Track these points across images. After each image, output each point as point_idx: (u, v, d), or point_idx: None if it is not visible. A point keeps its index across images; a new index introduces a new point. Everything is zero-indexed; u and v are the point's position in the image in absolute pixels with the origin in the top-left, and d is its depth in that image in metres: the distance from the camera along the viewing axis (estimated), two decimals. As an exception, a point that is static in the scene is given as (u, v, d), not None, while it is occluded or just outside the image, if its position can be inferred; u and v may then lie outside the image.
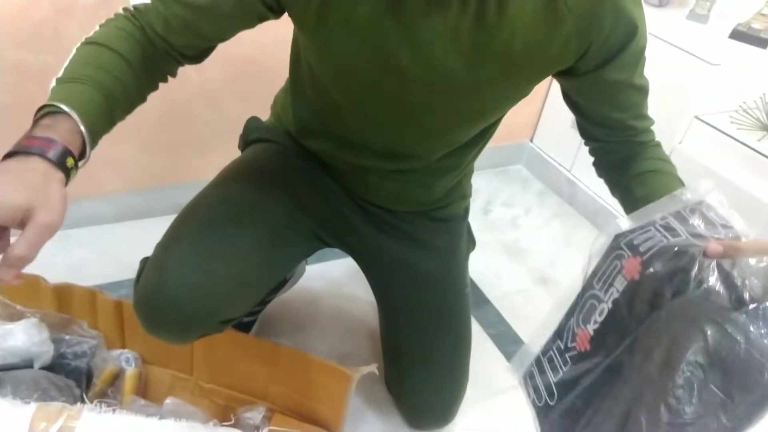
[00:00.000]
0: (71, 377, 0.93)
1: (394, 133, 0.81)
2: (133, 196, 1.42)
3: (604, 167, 0.85)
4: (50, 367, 0.93)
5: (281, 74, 0.97)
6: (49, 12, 1.14)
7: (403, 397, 1.08)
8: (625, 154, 0.81)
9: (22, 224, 0.51)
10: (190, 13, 0.68)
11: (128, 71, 0.66)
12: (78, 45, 0.66)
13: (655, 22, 1.45)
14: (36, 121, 0.58)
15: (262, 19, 0.72)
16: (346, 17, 0.67)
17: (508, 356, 1.28)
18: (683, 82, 1.41)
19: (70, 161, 0.55)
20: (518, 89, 0.76)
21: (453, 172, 0.94)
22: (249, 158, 0.96)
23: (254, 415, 0.88)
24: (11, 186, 0.51)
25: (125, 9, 0.71)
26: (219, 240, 0.82)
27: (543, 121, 1.95)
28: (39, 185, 0.52)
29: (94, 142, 0.61)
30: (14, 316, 0.94)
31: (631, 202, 0.77)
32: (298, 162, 0.93)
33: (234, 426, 0.89)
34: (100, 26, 0.69)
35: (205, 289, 0.77)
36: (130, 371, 0.95)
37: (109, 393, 0.94)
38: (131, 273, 0.85)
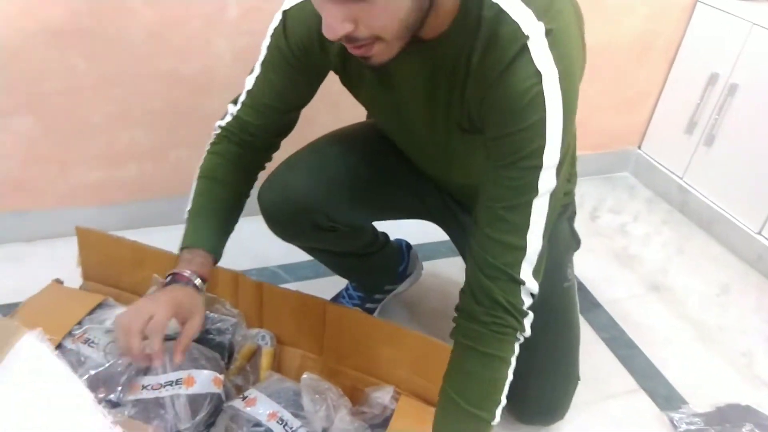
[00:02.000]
0: (215, 351, 1.02)
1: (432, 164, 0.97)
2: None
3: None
4: (196, 341, 1.03)
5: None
6: (200, 25, 1.26)
7: (510, 388, 1.09)
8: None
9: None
10: (275, 99, 0.87)
11: (233, 193, 0.90)
12: (195, 178, 0.90)
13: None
14: (180, 251, 0.85)
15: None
16: (363, 93, 0.87)
17: (622, 360, 1.27)
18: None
19: (201, 283, 0.83)
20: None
21: None
22: (363, 122, 1.09)
23: (383, 395, 0.92)
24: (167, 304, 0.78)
25: (220, 127, 0.90)
26: (337, 158, 0.99)
27: (653, 127, 1.90)
28: (189, 303, 0.80)
29: (219, 256, 0.88)
30: (168, 294, 1.04)
31: None
32: None
33: (363, 405, 0.95)
34: (207, 152, 0.91)
35: (312, 183, 0.95)
36: (267, 349, 1.03)
37: (247, 368, 1.03)
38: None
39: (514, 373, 1.06)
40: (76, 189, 1.41)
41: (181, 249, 0.85)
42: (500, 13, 0.66)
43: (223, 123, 0.90)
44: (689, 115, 1.75)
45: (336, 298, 1.29)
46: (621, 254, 1.60)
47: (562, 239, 1.08)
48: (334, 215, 0.98)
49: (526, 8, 0.65)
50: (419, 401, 0.95)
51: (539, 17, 0.65)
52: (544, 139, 0.66)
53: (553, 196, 0.70)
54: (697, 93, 1.71)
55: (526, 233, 0.70)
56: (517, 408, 1.08)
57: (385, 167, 1.02)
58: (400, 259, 1.30)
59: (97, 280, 1.13)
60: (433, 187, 1.07)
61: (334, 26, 0.61)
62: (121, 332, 0.75)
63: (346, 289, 1.30)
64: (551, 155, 0.67)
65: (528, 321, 0.74)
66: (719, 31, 1.66)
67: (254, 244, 1.25)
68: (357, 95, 0.90)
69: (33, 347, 0.79)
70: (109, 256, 1.10)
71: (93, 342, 0.92)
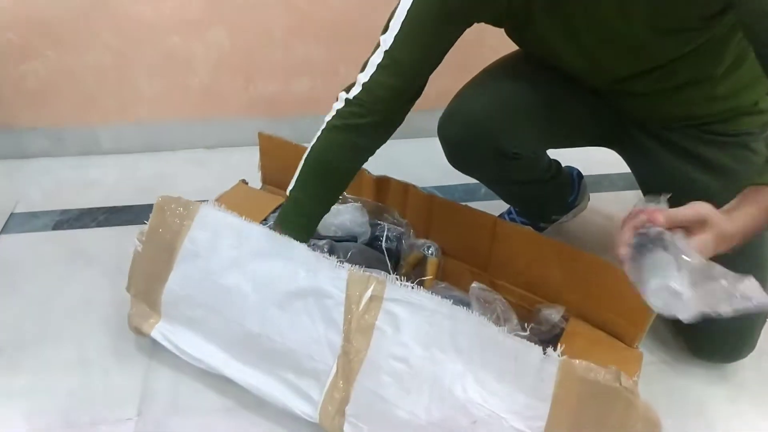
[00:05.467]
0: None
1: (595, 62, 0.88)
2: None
3: None
4: (366, 245, 1.08)
5: None
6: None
7: None
8: None
9: None
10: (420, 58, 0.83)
11: (341, 181, 0.91)
12: (304, 155, 0.89)
13: None
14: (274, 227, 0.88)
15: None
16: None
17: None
18: None
19: None
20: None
21: (699, 87, 0.88)
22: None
23: (553, 313, 0.91)
24: None
25: (346, 101, 0.85)
26: (512, 84, 0.97)
27: None
28: None
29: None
30: (341, 200, 1.09)
31: None
32: None
33: (532, 321, 0.95)
34: (324, 130, 0.87)
35: (494, 108, 0.93)
36: (432, 259, 1.05)
37: (413, 276, 1.06)
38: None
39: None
40: (255, 100, 1.50)
41: (279, 229, 0.87)
42: None
43: (350, 96, 0.85)
44: None
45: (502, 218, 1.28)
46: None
47: (761, 158, 0.95)
48: (517, 141, 0.96)
49: None
50: (588, 324, 0.93)
51: None
52: None
53: None
54: None
55: None
56: (696, 342, 1.02)
57: (558, 91, 0.98)
58: (571, 189, 1.25)
59: (275, 184, 1.21)
60: (609, 109, 1.00)
61: None
62: None
63: (509, 212, 1.28)
64: None
65: None
66: None
67: (410, 165, 1.27)
68: (523, 34, 0.89)
69: (212, 213, 0.91)
70: (288, 161, 1.16)
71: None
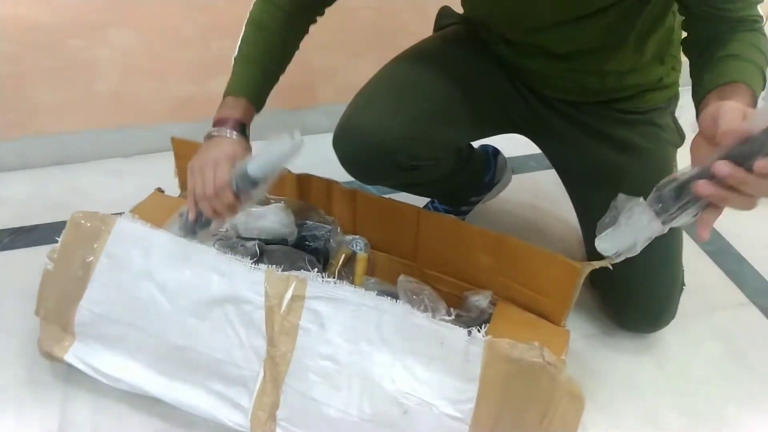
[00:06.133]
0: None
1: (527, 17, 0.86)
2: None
3: (688, 45, 0.78)
4: (294, 246, 1.05)
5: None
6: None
7: (612, 291, 1.06)
8: (712, 31, 0.73)
9: None
10: None
11: (281, 43, 0.91)
12: (244, 24, 0.90)
13: None
14: (224, 98, 0.88)
15: None
16: None
17: (729, 274, 1.20)
18: None
19: (244, 130, 0.87)
20: None
21: (609, 53, 0.89)
22: (441, 34, 1.04)
23: (481, 299, 0.91)
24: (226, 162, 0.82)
25: None
26: (410, 86, 0.93)
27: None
28: (242, 153, 0.85)
29: (261, 106, 0.91)
30: (264, 202, 1.06)
31: (697, 88, 0.71)
32: (485, 49, 0.99)
33: (461, 308, 0.95)
34: (254, 4, 0.90)
35: (388, 122, 0.89)
36: (361, 254, 1.04)
37: (343, 273, 1.04)
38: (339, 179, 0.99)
39: (617, 276, 1.02)
40: (171, 103, 1.44)
41: (225, 96, 0.88)
42: None
43: None
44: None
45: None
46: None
47: (667, 134, 1.00)
48: (415, 153, 0.93)
49: None
50: (516, 307, 0.94)
51: None
52: None
53: None
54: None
55: None
56: (622, 313, 1.05)
57: (462, 82, 0.96)
58: (486, 168, 1.25)
59: (195, 190, 1.16)
60: (518, 94, 1.00)
61: None
62: (202, 203, 0.83)
63: (432, 202, 1.27)
64: None
65: None
66: None
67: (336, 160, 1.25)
68: None
69: (128, 226, 0.88)
70: (206, 165, 1.13)
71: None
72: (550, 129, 1.02)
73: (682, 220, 0.62)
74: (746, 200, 0.55)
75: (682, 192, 0.60)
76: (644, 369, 1.01)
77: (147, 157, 1.48)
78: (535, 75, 0.97)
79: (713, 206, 0.59)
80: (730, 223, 1.30)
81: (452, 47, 1.01)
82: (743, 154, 0.54)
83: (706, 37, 0.74)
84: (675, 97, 1.01)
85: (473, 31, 1.01)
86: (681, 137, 1.02)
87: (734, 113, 0.58)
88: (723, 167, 0.54)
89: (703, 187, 0.56)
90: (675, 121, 1.02)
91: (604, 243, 0.68)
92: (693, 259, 1.19)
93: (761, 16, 0.73)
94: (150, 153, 1.48)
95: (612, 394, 0.96)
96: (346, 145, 0.92)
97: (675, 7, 0.85)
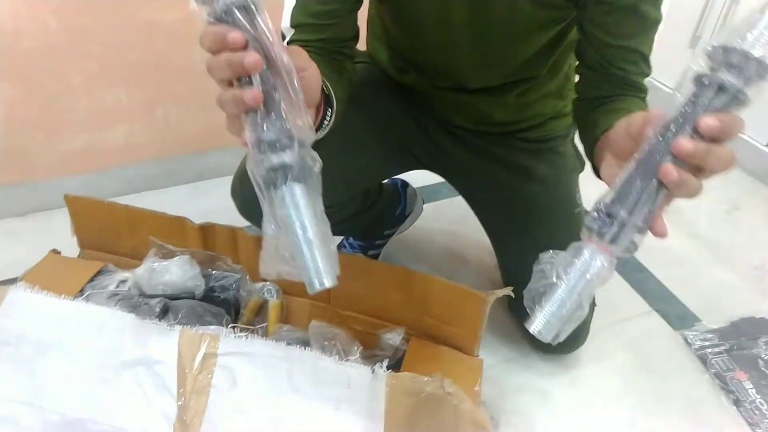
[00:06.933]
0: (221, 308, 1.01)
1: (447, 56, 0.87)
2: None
3: (580, 105, 0.81)
4: (202, 300, 1.01)
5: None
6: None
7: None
8: (607, 91, 0.76)
9: None
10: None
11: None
12: None
13: None
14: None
15: None
16: None
17: (634, 284, 1.25)
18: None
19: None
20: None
21: (522, 85, 0.93)
22: None
23: (394, 336, 0.91)
24: None
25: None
26: None
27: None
28: None
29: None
30: (167, 255, 1.02)
31: (592, 128, 0.71)
32: (387, 85, 1.00)
33: (374, 347, 0.94)
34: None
35: None
36: (273, 302, 1.01)
37: (255, 322, 1.02)
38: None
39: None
40: (65, 156, 1.37)
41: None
42: None
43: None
44: (692, 30, 1.68)
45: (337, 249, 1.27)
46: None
47: (569, 161, 1.04)
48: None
49: None
50: (429, 341, 0.94)
51: None
52: None
53: None
54: (700, 3, 1.64)
55: None
56: (536, 341, 1.07)
57: (364, 128, 0.95)
58: (397, 202, 1.26)
59: (94, 248, 1.11)
60: (421, 130, 1.02)
61: None
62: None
63: (346, 239, 1.27)
64: None
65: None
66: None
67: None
68: None
69: (22, 296, 0.83)
70: (103, 222, 1.07)
71: (96, 308, 0.91)
72: (456, 162, 1.04)
73: (629, 235, 0.55)
74: (698, 184, 0.49)
75: (625, 197, 0.53)
76: (559, 388, 1.04)
77: (43, 215, 1.40)
78: (444, 104, 0.98)
79: (664, 199, 0.52)
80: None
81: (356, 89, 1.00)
82: (680, 125, 0.48)
83: (600, 95, 0.77)
84: (574, 125, 1.05)
85: (372, 71, 1.02)
86: (581, 163, 1.06)
87: (646, 112, 0.54)
88: (685, 143, 0.47)
89: (670, 171, 0.47)
90: (575, 147, 1.07)
91: (538, 325, 0.55)
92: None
93: (647, 90, 0.77)
94: (47, 210, 1.40)
95: (528, 417, 0.98)
96: (244, 197, 0.91)
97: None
